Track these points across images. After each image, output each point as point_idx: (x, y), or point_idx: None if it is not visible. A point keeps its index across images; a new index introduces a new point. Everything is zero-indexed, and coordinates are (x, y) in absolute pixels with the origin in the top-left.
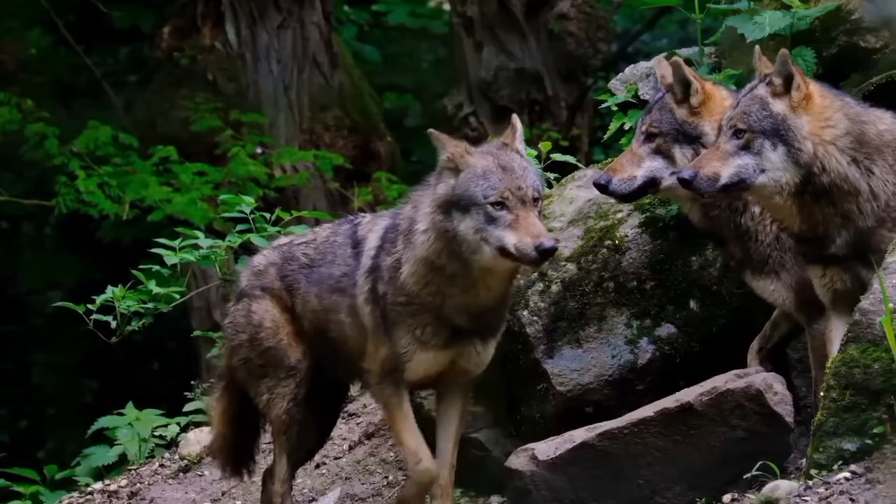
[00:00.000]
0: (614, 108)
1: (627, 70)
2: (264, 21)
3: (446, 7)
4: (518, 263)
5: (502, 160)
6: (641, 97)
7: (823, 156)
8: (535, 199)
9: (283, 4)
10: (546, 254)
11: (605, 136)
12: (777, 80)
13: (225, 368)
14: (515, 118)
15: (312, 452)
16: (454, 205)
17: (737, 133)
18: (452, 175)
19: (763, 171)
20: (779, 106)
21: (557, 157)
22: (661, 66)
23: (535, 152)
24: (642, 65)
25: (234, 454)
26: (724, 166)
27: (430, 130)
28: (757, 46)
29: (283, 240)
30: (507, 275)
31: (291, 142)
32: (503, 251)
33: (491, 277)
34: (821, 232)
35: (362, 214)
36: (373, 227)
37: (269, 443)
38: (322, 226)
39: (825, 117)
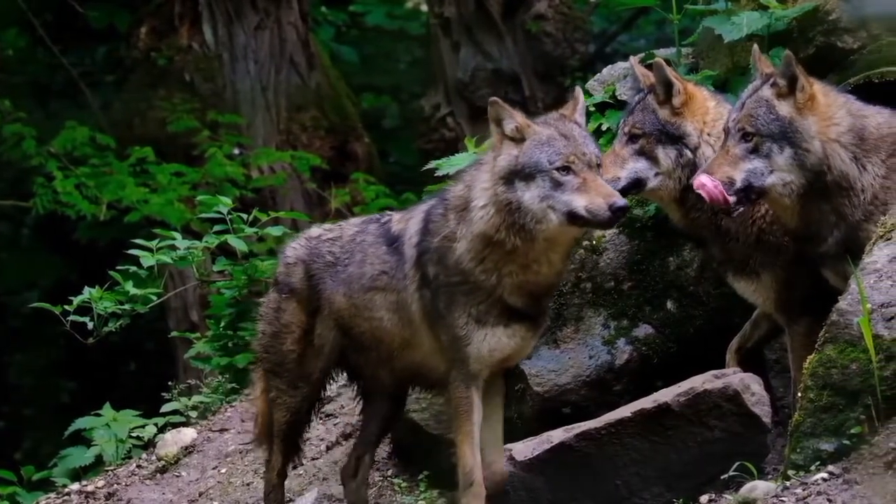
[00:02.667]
0: (592, 109)
1: (605, 71)
2: (241, 21)
3: (424, 8)
4: (588, 227)
5: (563, 129)
6: (619, 98)
7: (830, 154)
8: (598, 165)
9: (261, 5)
10: (619, 212)
11: None
12: (781, 82)
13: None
14: (579, 91)
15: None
16: (518, 174)
17: (745, 136)
18: (515, 146)
19: (772, 172)
20: (785, 108)
21: None
22: (637, 67)
23: None
24: (620, 65)
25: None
26: (736, 171)
27: (494, 99)
28: (755, 45)
29: (314, 231)
30: (568, 247)
31: (269, 142)
32: (572, 215)
33: (552, 250)
34: (814, 230)
35: (388, 213)
36: (408, 221)
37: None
38: (347, 222)
39: (829, 115)
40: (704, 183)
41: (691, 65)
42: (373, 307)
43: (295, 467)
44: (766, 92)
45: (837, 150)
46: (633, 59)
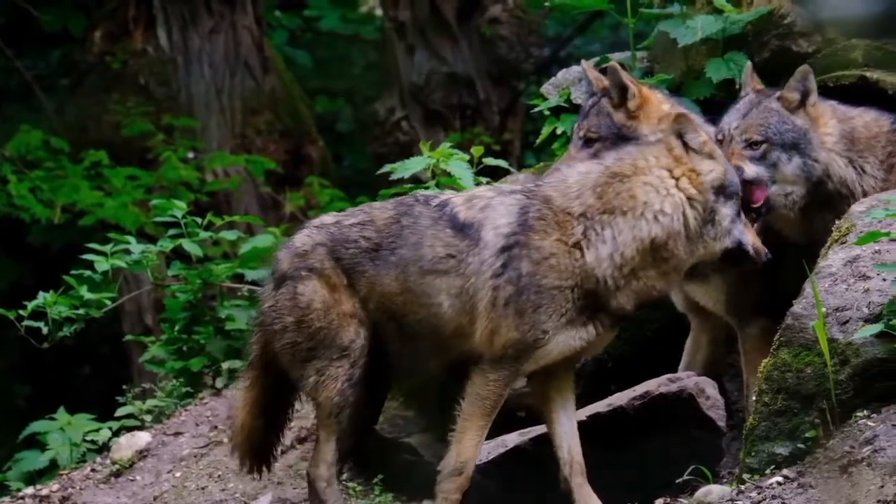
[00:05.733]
0: (547, 113)
1: (560, 74)
2: (196, 25)
3: (378, 12)
4: (735, 263)
5: None
6: (574, 101)
7: (829, 163)
8: None
9: (215, 9)
10: (765, 264)
11: (538, 141)
12: (794, 96)
13: (258, 357)
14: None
15: (362, 441)
16: (722, 190)
17: (751, 145)
18: (710, 160)
19: (774, 182)
20: (799, 120)
21: (489, 161)
22: (590, 71)
23: (466, 156)
24: (574, 69)
25: (259, 448)
26: (746, 164)
27: (682, 112)
28: (749, 64)
29: (326, 219)
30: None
31: (223, 146)
32: (738, 248)
33: (689, 266)
34: (818, 240)
35: (432, 194)
36: (484, 210)
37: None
38: (368, 206)
39: (822, 123)
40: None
41: (646, 68)
42: (431, 292)
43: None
44: (774, 104)
45: (835, 159)
46: (586, 63)
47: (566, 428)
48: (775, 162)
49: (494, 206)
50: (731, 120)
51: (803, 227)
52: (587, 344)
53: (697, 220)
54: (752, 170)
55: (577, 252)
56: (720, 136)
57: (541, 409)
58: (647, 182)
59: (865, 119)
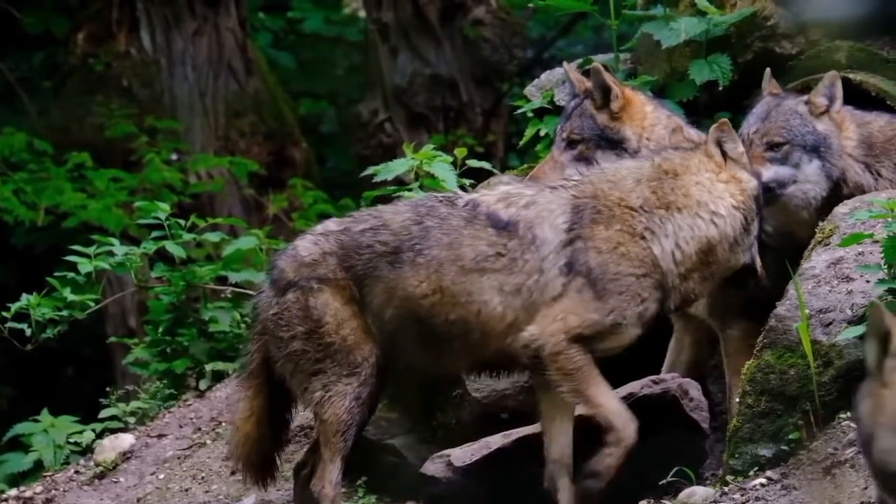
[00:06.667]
0: (530, 114)
1: (543, 76)
2: (179, 27)
3: (361, 14)
4: (743, 280)
5: None
6: (557, 103)
7: (845, 168)
8: None
9: (199, 11)
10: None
11: (521, 142)
12: (822, 101)
13: (259, 366)
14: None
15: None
16: (758, 203)
17: (773, 147)
18: (745, 171)
19: (795, 182)
20: (821, 125)
21: (473, 163)
22: (572, 73)
23: (449, 158)
24: (558, 71)
25: (262, 460)
26: (765, 169)
27: (723, 120)
28: (768, 70)
29: (331, 227)
30: None
31: (206, 148)
32: (752, 264)
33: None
34: None
35: (457, 195)
36: (527, 207)
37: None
38: (376, 210)
39: (844, 128)
40: None
41: (629, 70)
42: (475, 290)
43: (233, 473)
44: (800, 107)
45: (852, 164)
46: (568, 66)
47: (561, 426)
48: (797, 162)
49: (542, 203)
50: (750, 125)
51: (817, 228)
52: (635, 339)
53: (741, 227)
54: (770, 172)
55: (643, 242)
56: (740, 141)
57: (539, 403)
58: (699, 182)
59: (880, 123)
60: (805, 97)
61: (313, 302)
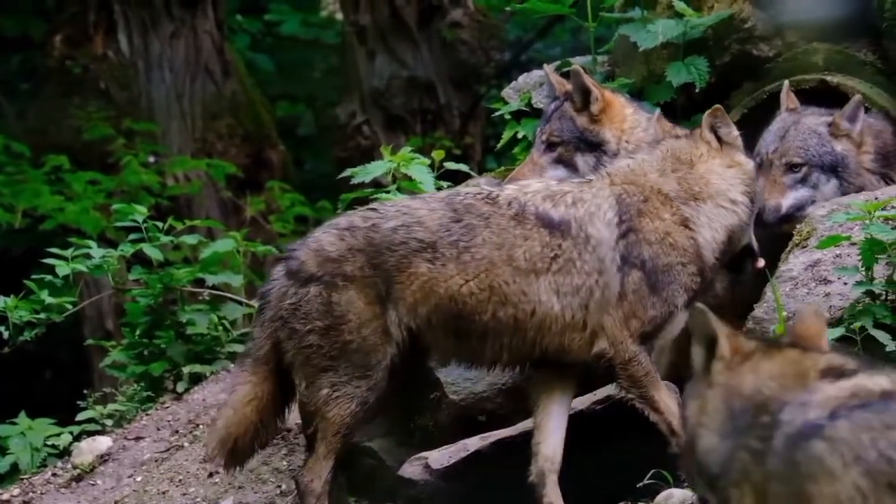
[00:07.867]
0: (507, 117)
1: (521, 78)
2: (157, 30)
3: (339, 16)
4: (741, 264)
5: None
6: (535, 105)
7: (864, 185)
8: None
9: (176, 13)
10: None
11: (499, 145)
12: (846, 125)
13: (269, 353)
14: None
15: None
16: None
17: (792, 168)
18: (741, 152)
19: (814, 202)
20: (839, 146)
21: (450, 165)
22: (552, 75)
23: (427, 161)
24: (535, 73)
25: (245, 446)
26: (784, 197)
27: (717, 106)
28: (786, 82)
29: (357, 222)
30: None
31: (184, 150)
32: (750, 245)
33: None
34: None
35: (490, 190)
36: (575, 205)
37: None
38: (403, 204)
39: (864, 144)
40: None
41: (607, 73)
42: (530, 291)
43: (210, 475)
44: (822, 129)
45: (869, 178)
46: (548, 68)
47: (556, 423)
48: (816, 183)
49: (588, 200)
50: (768, 143)
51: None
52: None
53: (749, 211)
54: (790, 200)
55: (687, 230)
56: (758, 160)
57: (537, 398)
58: (712, 170)
59: (890, 131)
60: (826, 117)
61: (337, 298)
